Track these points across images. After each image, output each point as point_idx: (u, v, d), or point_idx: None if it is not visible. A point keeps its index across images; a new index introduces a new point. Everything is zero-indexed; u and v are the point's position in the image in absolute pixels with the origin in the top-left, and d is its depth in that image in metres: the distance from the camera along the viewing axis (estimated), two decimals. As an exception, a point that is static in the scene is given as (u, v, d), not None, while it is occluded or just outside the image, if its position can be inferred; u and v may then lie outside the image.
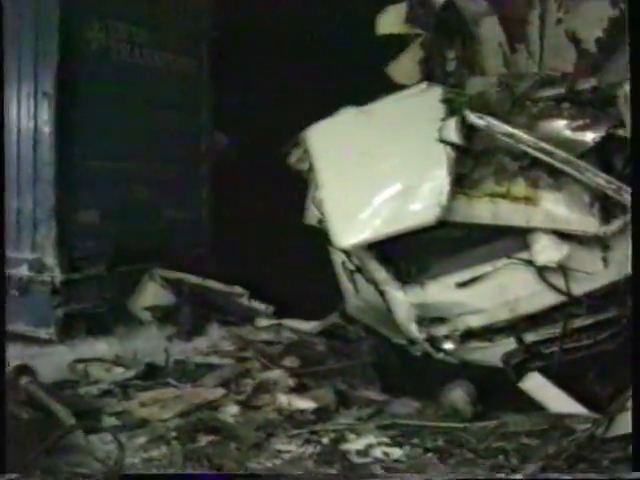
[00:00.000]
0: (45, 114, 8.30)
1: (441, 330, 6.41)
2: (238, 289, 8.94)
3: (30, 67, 8.34)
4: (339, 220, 6.45)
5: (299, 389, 6.92)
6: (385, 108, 6.74)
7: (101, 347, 8.12)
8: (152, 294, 8.84)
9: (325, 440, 5.90)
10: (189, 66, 10.16)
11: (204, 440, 5.85)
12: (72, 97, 8.42)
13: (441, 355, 6.48)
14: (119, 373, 7.45)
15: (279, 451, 5.76)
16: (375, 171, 6.45)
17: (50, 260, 8.32)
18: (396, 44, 7.54)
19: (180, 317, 8.63)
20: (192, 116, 10.19)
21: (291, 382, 7.01)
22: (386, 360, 7.11)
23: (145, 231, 9.25)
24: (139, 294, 8.86)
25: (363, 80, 7.75)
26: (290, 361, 7.56)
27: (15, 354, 8.10)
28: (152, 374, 7.32)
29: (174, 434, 5.90)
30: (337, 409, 6.57)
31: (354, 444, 5.85)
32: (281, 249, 9.35)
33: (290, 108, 9.11)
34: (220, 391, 6.79)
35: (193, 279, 8.91)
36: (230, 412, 6.42)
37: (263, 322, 8.83)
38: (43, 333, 8.30)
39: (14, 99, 8.38)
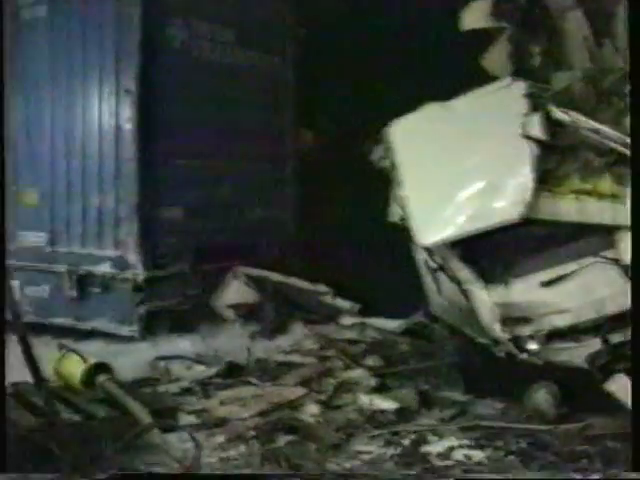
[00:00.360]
0: (127, 111, 8.47)
1: (525, 330, 6.36)
2: (322, 287, 9.05)
3: (112, 65, 8.52)
4: (421, 218, 6.47)
5: (381, 389, 6.98)
6: (468, 103, 6.72)
7: (183, 345, 8.27)
8: (235, 292, 8.97)
9: (406, 441, 6.00)
10: (274, 64, 10.27)
11: (283, 440, 5.90)
12: (154, 94, 8.58)
13: (525, 356, 6.44)
14: (200, 371, 7.61)
15: (359, 452, 5.80)
16: (458, 168, 6.45)
17: (133, 257, 8.47)
18: (481, 39, 7.57)
19: (263, 315, 8.81)
20: (277, 114, 10.29)
21: (373, 382, 7.10)
22: (470, 360, 7.15)
23: (229, 229, 9.41)
24: (222, 292, 8.98)
25: (447, 76, 7.80)
26: (372, 360, 7.62)
27: (97, 351, 8.43)
28: (233, 372, 7.44)
29: (253, 433, 5.96)
30: (419, 410, 6.65)
31: (435, 446, 5.87)
32: (366, 247, 9.45)
33: (374, 105, 9.20)
34: (301, 390, 6.88)
35: (277, 277, 9.01)
36: (310, 412, 6.47)
37: (347, 320, 8.96)
38: (126, 330, 8.49)
39: (96, 97, 8.62)
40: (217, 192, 9.37)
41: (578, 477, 5.24)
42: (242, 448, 5.81)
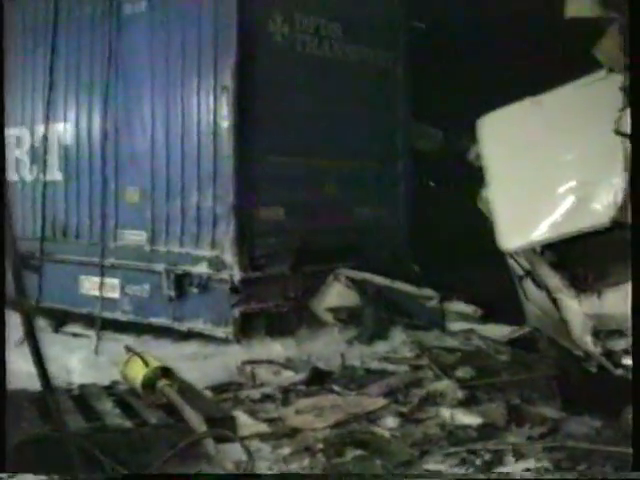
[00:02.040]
0: (224, 108, 8.52)
1: (619, 344, 6.11)
2: (428, 292, 8.88)
3: (210, 61, 8.61)
4: (506, 220, 6.30)
5: (468, 402, 6.76)
6: (560, 98, 6.48)
7: (276, 349, 8.34)
8: (336, 295, 8.93)
9: (480, 461, 5.83)
10: (384, 59, 10.18)
11: (350, 454, 5.79)
12: (253, 90, 8.61)
13: (620, 371, 6.21)
14: (287, 377, 7.64)
15: (427, 471, 5.76)
16: (547, 166, 6.23)
17: (229, 258, 8.53)
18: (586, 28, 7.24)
19: (363, 320, 8.78)
20: (388, 112, 10.18)
21: (460, 394, 6.91)
22: (568, 374, 6.90)
23: (333, 229, 9.37)
24: (323, 294, 8.96)
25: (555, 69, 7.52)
26: (464, 372, 7.43)
27: (192, 353, 8.63)
28: (318, 379, 7.41)
29: (321, 446, 5.88)
30: (507, 426, 6.48)
31: (510, 467, 5.73)
32: (478, 251, 9.24)
33: (486, 100, 9.00)
34: (382, 401, 6.76)
35: (380, 280, 8.90)
36: (388, 425, 6.33)
37: (456, 327, 8.81)
38: (220, 332, 8.59)
39: (194, 93, 8.74)
40: (321, 191, 9.36)
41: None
42: (306, 461, 5.74)
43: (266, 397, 7.11)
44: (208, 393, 7.00)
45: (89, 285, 9.60)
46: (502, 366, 7.64)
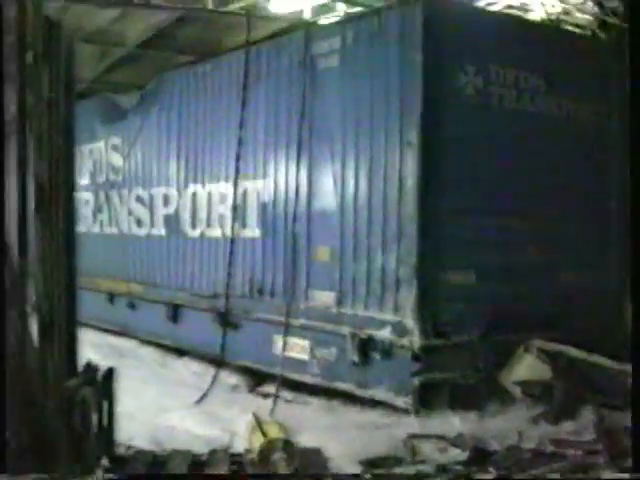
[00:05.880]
0: (409, 165, 8.78)
1: None
2: (630, 368, 8.74)
3: (396, 116, 8.89)
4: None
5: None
6: None
7: (454, 423, 8.46)
8: (526, 367, 8.86)
9: None
10: (594, 114, 10.18)
11: None
12: (440, 147, 8.84)
13: None
14: (451, 455, 7.72)
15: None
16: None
17: (410, 323, 8.71)
18: None
19: (552, 396, 8.75)
20: (598, 170, 10.18)
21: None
22: None
23: (532, 295, 9.36)
24: (512, 366, 8.94)
25: None
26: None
27: (371, 421, 9.00)
28: (480, 460, 7.50)
29: None
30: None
31: None
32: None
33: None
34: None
35: (575, 352, 8.84)
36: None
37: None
38: (401, 401, 8.76)
39: (382, 150, 9.05)
40: (518, 254, 9.39)
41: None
42: None
43: (420, 476, 7.32)
44: (359, 468, 7.38)
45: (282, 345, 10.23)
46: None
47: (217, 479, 6.04)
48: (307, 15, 18.32)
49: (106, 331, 14.08)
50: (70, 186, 6.28)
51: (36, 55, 5.64)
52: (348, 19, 10.72)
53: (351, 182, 9.48)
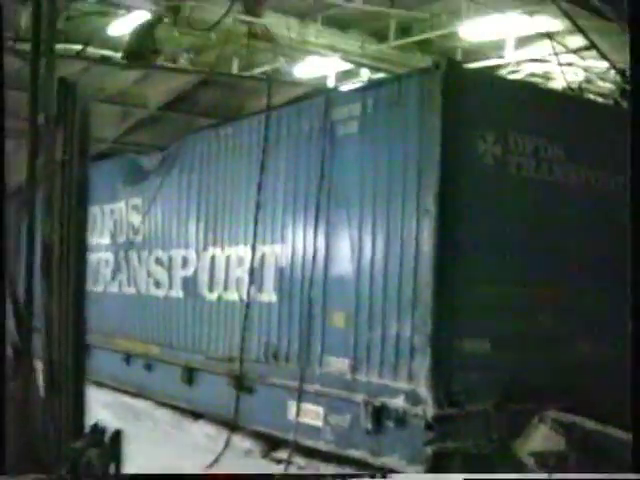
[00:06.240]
0: (426, 232, 8.79)
1: None
2: (647, 440, 8.68)
3: (414, 182, 8.96)
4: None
5: None
6: None
7: (467, 495, 8.51)
8: (540, 438, 8.78)
9: None
10: (613, 183, 10.13)
11: None
12: (457, 214, 8.87)
13: None
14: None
15: None
16: None
17: (424, 392, 8.66)
18: None
19: (567, 467, 8.67)
20: (617, 240, 9.96)
21: None
22: None
23: (548, 365, 9.32)
24: (526, 436, 8.82)
25: None
26: None
27: (382, 491, 8.95)
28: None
29: None
30: None
31: None
32: None
33: None
34: None
35: (590, 424, 8.78)
36: None
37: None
38: (413, 471, 8.65)
39: (399, 216, 9.09)
40: (534, 323, 9.35)
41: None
42: None
43: None
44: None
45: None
46: None
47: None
48: (331, 80, 18.67)
49: (122, 391, 14.09)
50: (81, 246, 6.35)
51: (48, 116, 5.73)
52: (368, 86, 10.86)
53: (368, 247, 9.49)
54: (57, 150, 5.97)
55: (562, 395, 9.15)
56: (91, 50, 16.74)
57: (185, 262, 12.80)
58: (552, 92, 12.09)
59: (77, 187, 6.26)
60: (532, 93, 10.47)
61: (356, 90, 10.78)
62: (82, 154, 6.38)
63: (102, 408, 11.65)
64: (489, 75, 11.76)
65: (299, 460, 10.05)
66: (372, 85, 10.44)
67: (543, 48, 15.03)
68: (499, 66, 16.98)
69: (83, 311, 6.56)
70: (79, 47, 15.11)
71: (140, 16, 15.17)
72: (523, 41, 16.27)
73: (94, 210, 14.95)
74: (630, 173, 5.48)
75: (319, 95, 10.83)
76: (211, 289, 12.13)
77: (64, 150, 6.04)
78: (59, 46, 15.96)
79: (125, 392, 14.05)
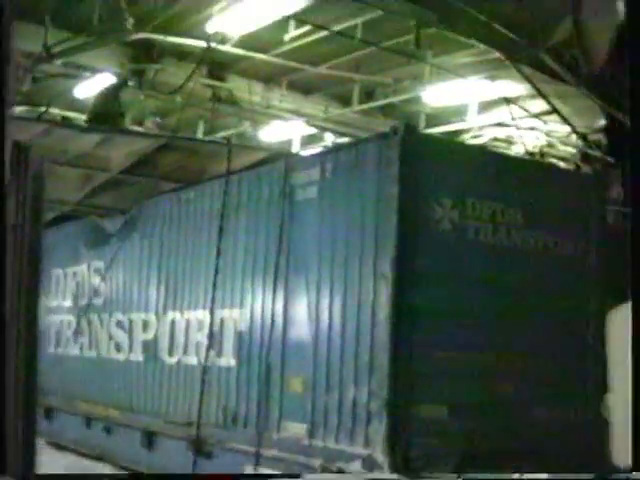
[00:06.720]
0: (382, 296, 8.84)
1: None
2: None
3: (371, 247, 9.01)
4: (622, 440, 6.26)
5: None
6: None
7: None
8: None
9: None
10: (572, 247, 10.32)
11: None
12: (414, 280, 8.93)
13: None
14: None
15: None
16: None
17: (380, 457, 8.65)
18: None
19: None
20: (576, 305, 10.20)
21: None
22: None
23: (507, 431, 9.36)
24: None
25: None
26: None
27: None
28: None
29: None
30: None
31: None
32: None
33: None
34: None
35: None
36: None
37: None
38: None
39: (356, 281, 9.13)
40: (491, 389, 9.40)
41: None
42: None
43: None
44: None
45: (256, 477, 10.14)
46: None
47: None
48: (296, 144, 18.84)
49: (83, 455, 14.00)
50: (33, 311, 6.35)
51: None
52: (327, 150, 10.96)
53: (325, 312, 9.52)
54: (9, 214, 5.99)
55: (520, 460, 9.18)
56: (56, 112, 16.87)
57: (145, 326, 12.80)
58: (510, 157, 12.26)
59: (29, 251, 6.27)
60: (490, 158, 10.68)
61: (315, 155, 10.92)
62: (35, 218, 6.39)
63: (63, 471, 11.57)
64: (447, 140, 11.91)
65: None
66: (331, 150, 10.54)
67: (505, 112, 15.27)
68: (462, 130, 17.24)
69: (35, 376, 6.53)
70: (44, 109, 15.23)
71: (105, 79, 15.36)
72: (485, 106, 16.55)
73: (57, 272, 15.01)
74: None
75: (279, 160, 10.92)
76: (171, 353, 12.11)
77: (17, 214, 6.07)
78: (22, 108, 16.17)
79: (86, 455, 13.95)
